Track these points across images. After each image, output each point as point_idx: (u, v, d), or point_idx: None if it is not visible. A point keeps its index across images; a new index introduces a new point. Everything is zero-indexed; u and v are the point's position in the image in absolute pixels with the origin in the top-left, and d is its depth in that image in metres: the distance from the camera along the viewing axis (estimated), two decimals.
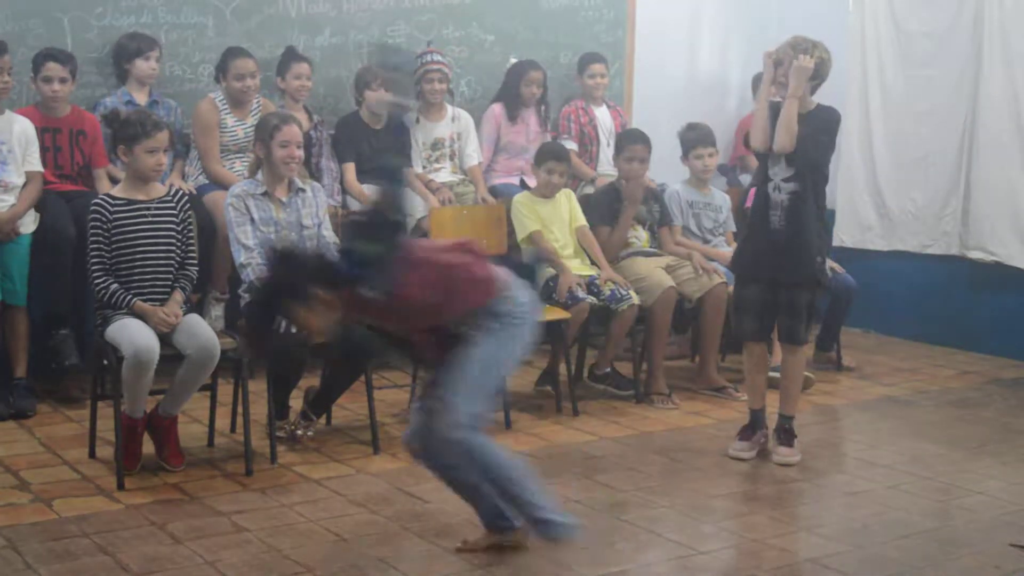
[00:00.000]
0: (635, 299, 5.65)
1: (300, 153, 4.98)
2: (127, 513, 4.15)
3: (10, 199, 5.29)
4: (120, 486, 4.37)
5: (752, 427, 4.99)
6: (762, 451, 4.96)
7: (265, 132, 4.92)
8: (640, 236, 6.08)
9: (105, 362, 4.55)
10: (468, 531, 4.03)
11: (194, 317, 4.65)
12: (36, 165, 5.40)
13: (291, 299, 3.38)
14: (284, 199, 4.94)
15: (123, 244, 4.56)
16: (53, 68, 5.48)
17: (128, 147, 4.58)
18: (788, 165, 4.73)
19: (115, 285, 4.51)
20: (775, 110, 4.76)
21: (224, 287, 5.94)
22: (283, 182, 4.97)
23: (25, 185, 5.34)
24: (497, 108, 6.92)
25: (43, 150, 5.46)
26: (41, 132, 5.45)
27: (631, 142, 6.04)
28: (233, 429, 5.05)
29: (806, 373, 6.05)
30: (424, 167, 6.66)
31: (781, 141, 4.67)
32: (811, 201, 4.76)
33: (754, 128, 4.83)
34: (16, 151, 5.31)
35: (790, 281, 4.81)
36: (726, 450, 4.97)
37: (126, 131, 4.58)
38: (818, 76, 4.77)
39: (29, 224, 5.35)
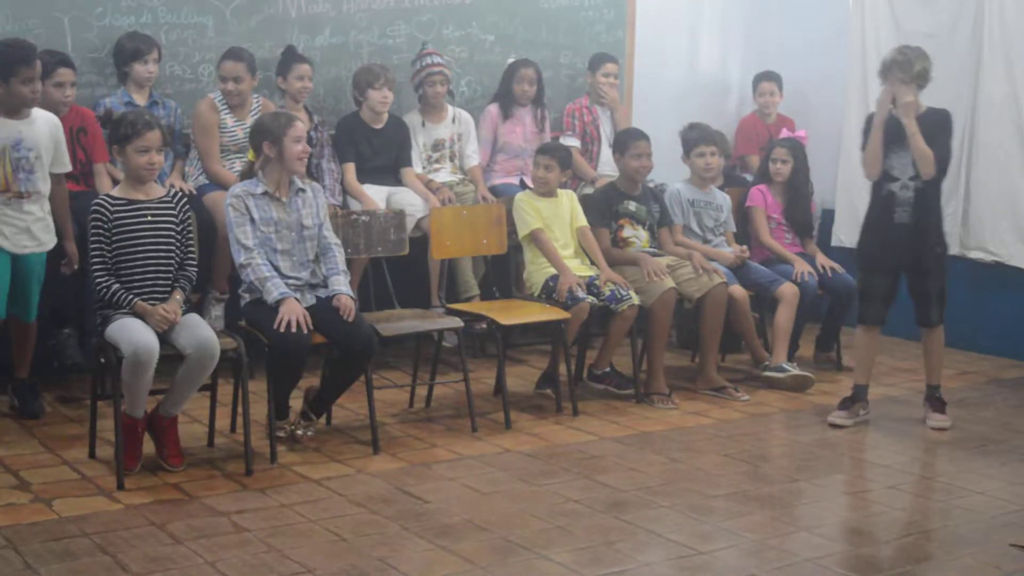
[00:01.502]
0: (635, 299, 5.65)
1: (309, 149, 4.95)
2: (127, 513, 4.15)
3: (36, 210, 5.02)
4: (120, 486, 4.37)
5: (853, 399, 5.49)
6: (860, 423, 5.45)
7: (277, 129, 4.83)
8: (640, 236, 6.08)
9: (102, 360, 4.54)
10: (468, 531, 4.04)
11: (194, 317, 4.64)
12: (66, 165, 5.19)
13: None
14: (284, 199, 4.93)
15: (123, 244, 4.56)
16: (66, 74, 5.45)
17: (121, 147, 4.59)
18: (915, 165, 5.25)
19: (116, 284, 4.51)
20: (887, 121, 5.24)
21: (224, 287, 5.94)
22: (286, 180, 4.94)
23: (51, 191, 5.10)
24: (493, 108, 6.93)
25: None
26: None
27: (635, 139, 6.04)
28: (233, 429, 5.05)
29: (806, 373, 6.08)
30: (424, 168, 6.67)
31: (927, 171, 5.23)
32: (934, 193, 5.34)
33: (870, 161, 5.34)
34: (44, 156, 5.04)
35: (919, 268, 5.37)
36: (827, 418, 5.48)
37: (118, 131, 4.59)
38: (924, 81, 5.25)
39: (50, 240, 5.15)
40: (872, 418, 5.53)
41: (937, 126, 5.26)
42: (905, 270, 5.42)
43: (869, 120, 5.39)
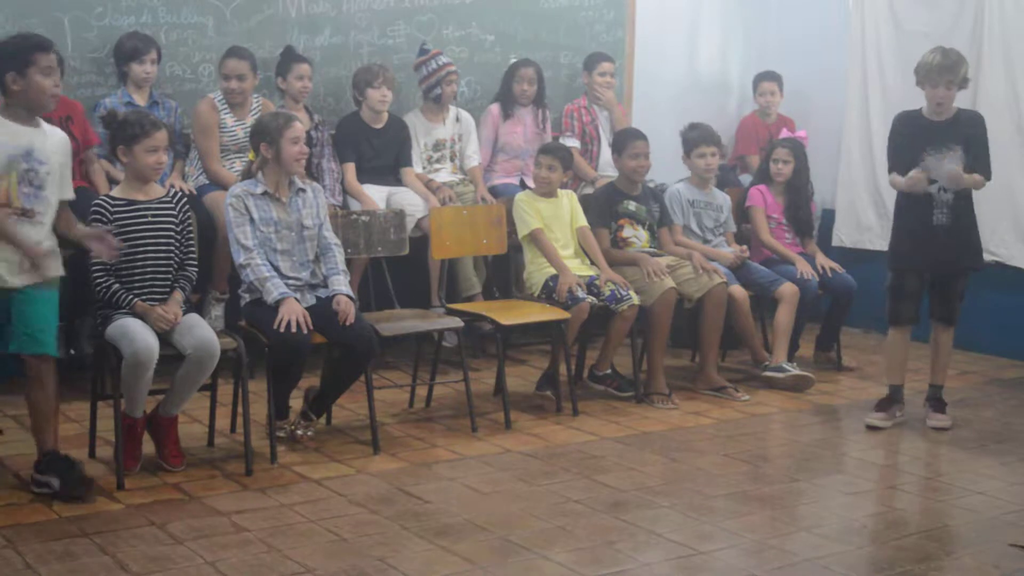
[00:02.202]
0: (635, 299, 5.66)
1: (307, 150, 4.96)
2: (127, 513, 4.15)
3: (35, 234, 4.22)
4: (120, 486, 4.37)
5: (890, 400, 5.46)
6: (898, 424, 5.44)
7: (274, 130, 4.84)
8: (640, 236, 6.08)
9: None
10: (468, 531, 4.04)
11: (194, 317, 4.64)
12: (70, 193, 4.46)
13: None
14: (284, 199, 4.93)
15: (123, 244, 4.55)
16: None
17: (127, 147, 4.56)
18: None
19: (116, 285, 4.51)
20: (917, 123, 5.33)
21: (224, 287, 5.95)
22: (285, 181, 4.95)
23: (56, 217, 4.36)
24: (495, 108, 6.94)
25: None
26: None
27: (634, 139, 6.04)
28: (233, 429, 5.05)
29: (806, 373, 6.08)
30: (424, 168, 6.67)
31: (980, 186, 5.35)
32: (972, 196, 5.38)
33: (897, 184, 5.37)
34: (56, 173, 4.30)
35: (954, 269, 5.38)
36: (864, 419, 5.42)
37: (124, 131, 4.56)
38: (965, 84, 5.31)
39: (58, 266, 4.35)
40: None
41: (978, 141, 5.28)
42: (939, 269, 5.38)
43: (899, 122, 5.37)
